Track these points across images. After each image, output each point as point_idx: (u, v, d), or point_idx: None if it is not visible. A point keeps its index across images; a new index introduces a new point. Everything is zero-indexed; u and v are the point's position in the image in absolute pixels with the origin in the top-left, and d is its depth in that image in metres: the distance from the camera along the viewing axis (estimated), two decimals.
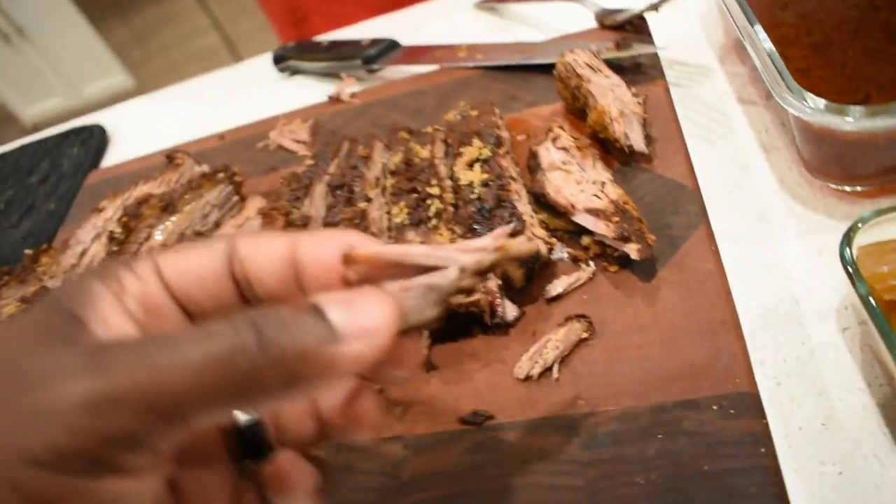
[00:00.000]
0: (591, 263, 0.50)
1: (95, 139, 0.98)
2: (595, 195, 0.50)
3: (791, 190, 0.56)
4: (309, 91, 0.86)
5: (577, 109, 0.59)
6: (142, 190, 0.65)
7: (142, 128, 0.99)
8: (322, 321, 0.24)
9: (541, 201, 0.52)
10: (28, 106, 3.78)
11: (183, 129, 0.93)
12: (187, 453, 0.29)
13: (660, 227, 0.50)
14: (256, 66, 0.97)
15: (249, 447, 0.31)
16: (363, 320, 0.25)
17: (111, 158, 0.96)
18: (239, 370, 0.23)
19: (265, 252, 0.29)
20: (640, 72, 0.62)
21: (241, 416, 0.31)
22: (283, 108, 0.85)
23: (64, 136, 1.03)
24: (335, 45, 0.83)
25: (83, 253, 0.63)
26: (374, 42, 0.79)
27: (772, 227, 0.54)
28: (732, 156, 0.59)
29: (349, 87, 0.75)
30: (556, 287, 0.49)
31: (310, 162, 0.57)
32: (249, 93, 0.93)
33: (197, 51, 3.48)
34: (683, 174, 0.54)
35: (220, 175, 0.62)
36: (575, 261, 0.51)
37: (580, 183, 0.52)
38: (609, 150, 0.56)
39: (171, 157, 0.68)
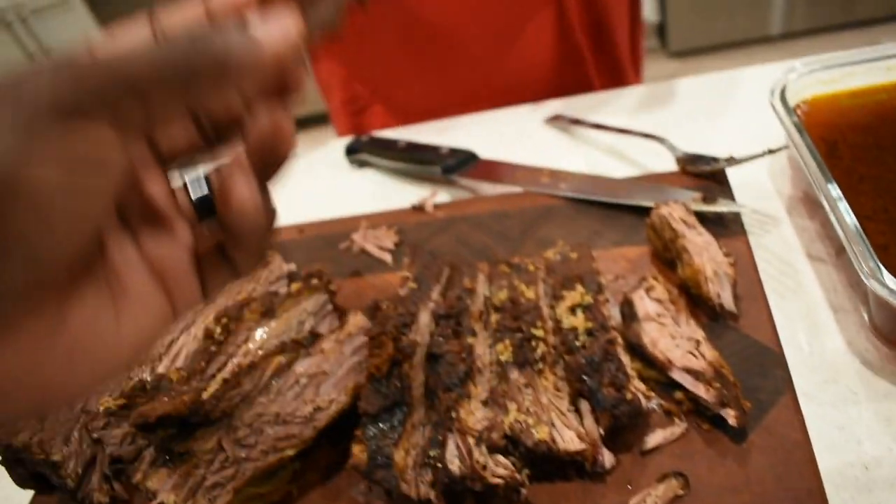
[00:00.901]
0: (684, 418, 0.53)
1: None
2: (691, 353, 0.53)
3: (860, 354, 0.59)
4: (380, 187, 0.89)
5: (666, 258, 0.63)
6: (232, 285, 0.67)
7: None
8: (242, 27, 0.31)
9: (635, 350, 0.55)
10: None
11: None
12: (148, 214, 0.36)
13: (748, 390, 0.53)
14: (326, 151, 1.00)
15: (203, 214, 0.37)
16: (276, 24, 0.32)
17: None
18: (176, 60, 0.29)
19: (181, 13, 0.36)
20: (721, 224, 0.66)
21: (193, 189, 0.37)
22: (355, 200, 0.88)
23: None
24: (413, 147, 0.86)
25: (171, 343, 0.64)
26: (454, 151, 0.82)
27: (841, 390, 0.57)
28: (802, 312, 0.62)
29: (433, 199, 0.78)
30: (651, 440, 0.52)
31: (412, 285, 0.60)
32: (318, 177, 0.96)
33: None
34: (768, 336, 0.57)
35: (315, 281, 0.64)
36: (667, 413, 0.53)
37: (675, 338, 0.55)
38: (697, 303, 0.60)
39: None
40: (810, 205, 0.72)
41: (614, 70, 1.10)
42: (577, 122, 0.86)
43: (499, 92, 1.03)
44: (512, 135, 0.91)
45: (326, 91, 1.19)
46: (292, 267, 0.71)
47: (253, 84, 0.32)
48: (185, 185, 0.38)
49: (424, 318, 0.57)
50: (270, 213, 0.37)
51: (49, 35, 3.43)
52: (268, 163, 0.36)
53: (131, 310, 0.34)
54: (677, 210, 0.61)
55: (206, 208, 0.37)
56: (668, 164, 0.78)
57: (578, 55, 1.04)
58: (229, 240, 0.36)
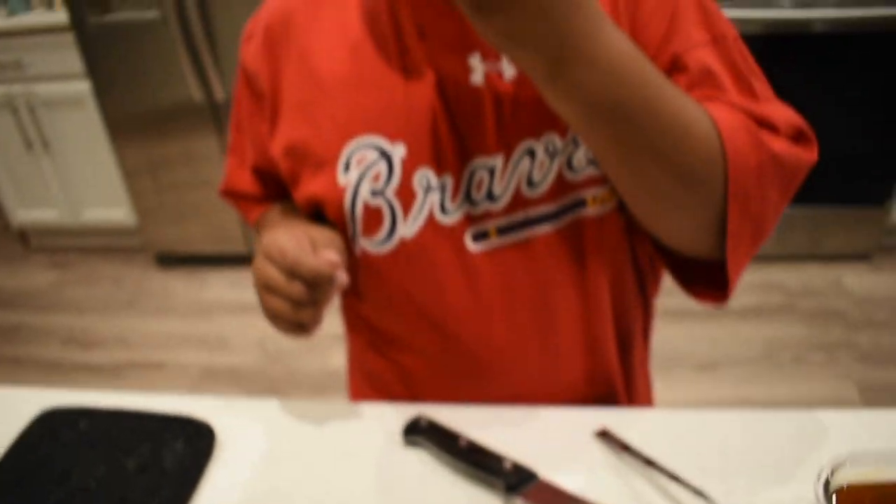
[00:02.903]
0: None
1: (204, 441, 1.01)
2: None
3: None
4: (434, 476, 0.93)
5: None
6: None
7: (251, 438, 1.03)
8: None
9: None
10: (22, 211, 3.75)
11: (296, 458, 0.98)
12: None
13: None
14: (379, 421, 1.05)
15: None
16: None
17: (217, 466, 0.99)
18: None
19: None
20: None
21: None
22: (408, 482, 0.92)
23: (167, 421, 1.05)
24: (475, 450, 0.91)
25: None
26: (517, 468, 0.88)
27: None
28: None
29: None
30: None
31: None
32: (370, 448, 1.00)
33: (204, 201, 3.54)
34: None
35: None
36: None
37: None
38: None
39: None
40: None
41: (635, 388, 1.17)
42: (626, 448, 0.92)
43: (529, 401, 1.08)
44: (561, 443, 0.97)
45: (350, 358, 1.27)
46: None
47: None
48: None
49: None
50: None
51: (52, 129, 3.44)
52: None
53: None
54: None
55: None
56: None
57: (608, 373, 1.12)
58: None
